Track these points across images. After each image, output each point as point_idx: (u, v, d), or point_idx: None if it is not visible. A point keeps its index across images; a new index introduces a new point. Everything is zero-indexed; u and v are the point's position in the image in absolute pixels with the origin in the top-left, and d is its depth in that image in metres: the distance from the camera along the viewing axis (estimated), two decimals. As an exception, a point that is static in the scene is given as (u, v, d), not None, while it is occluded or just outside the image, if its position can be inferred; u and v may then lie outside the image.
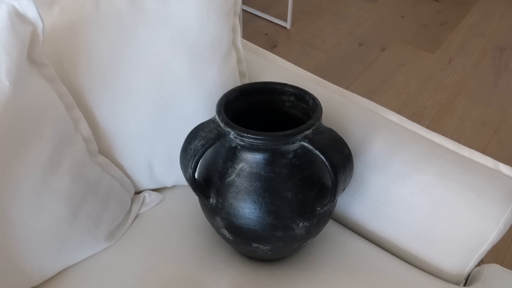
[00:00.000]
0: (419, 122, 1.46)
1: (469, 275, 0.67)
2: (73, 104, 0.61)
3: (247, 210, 0.54)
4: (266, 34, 1.81)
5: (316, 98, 0.58)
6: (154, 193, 0.73)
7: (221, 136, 0.54)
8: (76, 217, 0.60)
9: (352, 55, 1.73)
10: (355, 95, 0.72)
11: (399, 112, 1.49)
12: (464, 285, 0.68)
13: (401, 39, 1.81)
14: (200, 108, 0.66)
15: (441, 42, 1.80)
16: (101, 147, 0.67)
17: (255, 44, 0.83)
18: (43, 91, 0.57)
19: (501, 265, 0.73)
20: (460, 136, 1.42)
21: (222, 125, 0.54)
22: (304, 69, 0.79)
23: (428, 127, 1.45)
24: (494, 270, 0.68)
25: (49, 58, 0.59)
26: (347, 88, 1.59)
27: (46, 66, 0.58)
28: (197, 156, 0.53)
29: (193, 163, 0.54)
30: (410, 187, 0.62)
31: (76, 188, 0.60)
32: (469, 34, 1.85)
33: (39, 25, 0.54)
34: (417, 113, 1.49)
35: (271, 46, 1.75)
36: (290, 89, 0.61)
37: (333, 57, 1.72)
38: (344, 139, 0.57)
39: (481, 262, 0.68)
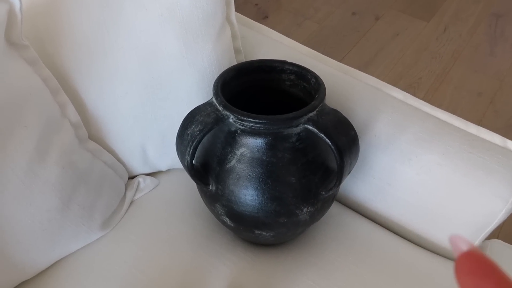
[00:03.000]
0: (415, 93, 1.44)
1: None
2: (59, 88, 0.57)
3: (249, 197, 0.52)
4: (256, 4, 1.75)
5: (318, 76, 0.55)
6: (148, 178, 0.70)
7: (219, 120, 0.50)
8: (68, 207, 0.57)
9: (345, 25, 1.68)
10: (357, 71, 0.68)
11: (395, 83, 1.46)
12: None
13: (395, 7, 1.76)
14: (195, 88, 0.62)
15: (436, 10, 1.75)
16: (90, 133, 0.63)
17: (245, 15, 0.78)
18: (25, 75, 0.53)
19: (498, 238, 0.73)
20: (456, 107, 1.40)
21: (220, 108, 0.51)
22: (297, 40, 0.75)
23: (424, 98, 1.42)
24: (497, 246, 0.67)
25: (29, 39, 0.54)
26: (341, 60, 1.55)
27: (27, 48, 0.53)
28: (195, 142, 0.50)
29: (191, 150, 0.51)
30: (416, 167, 0.60)
31: (67, 177, 0.56)
32: (464, 0, 1.80)
33: (16, 2, 0.49)
34: (413, 84, 1.46)
35: (262, 17, 1.69)
36: (290, 67, 0.58)
37: (326, 28, 1.67)
38: (347, 118, 0.54)
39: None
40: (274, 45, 0.73)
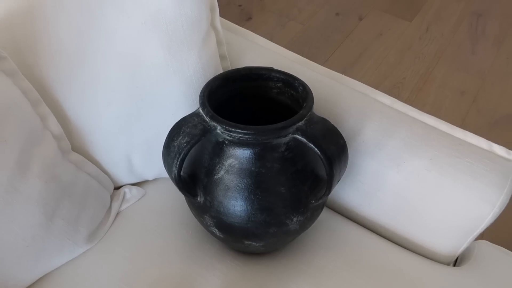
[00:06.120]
0: (399, 94, 1.45)
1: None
2: (39, 100, 0.56)
3: (238, 208, 0.51)
4: (239, 5, 1.73)
5: (306, 84, 0.54)
6: (135, 188, 0.69)
7: (206, 131, 0.49)
8: (52, 222, 0.55)
9: (329, 25, 1.68)
10: (344, 76, 0.68)
11: (380, 84, 1.47)
12: (454, 264, 0.68)
13: (378, 6, 1.77)
14: (181, 96, 0.61)
15: (418, 9, 1.77)
16: (74, 144, 0.62)
17: (228, 17, 0.77)
18: (4, 87, 0.51)
19: (482, 238, 0.74)
20: (441, 107, 1.42)
21: (207, 119, 0.50)
22: (281, 41, 0.75)
23: (409, 98, 1.43)
24: (483, 247, 0.68)
25: (7, 50, 0.52)
26: (326, 60, 1.55)
27: (5, 59, 0.52)
28: (182, 154, 0.49)
29: (178, 162, 0.50)
30: (404, 172, 0.60)
31: (50, 191, 0.55)
32: (445, -1, 1.82)
33: (-8, 13, 0.48)
34: (397, 84, 1.47)
35: (246, 18, 1.68)
36: (277, 75, 0.57)
37: (310, 28, 1.67)
38: (335, 125, 0.53)
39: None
40: (260, 51, 0.72)
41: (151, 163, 0.67)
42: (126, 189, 0.68)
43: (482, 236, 1.09)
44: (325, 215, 0.68)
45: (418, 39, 1.64)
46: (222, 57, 0.68)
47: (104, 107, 0.60)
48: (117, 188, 0.69)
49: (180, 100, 0.61)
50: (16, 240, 0.52)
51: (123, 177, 0.68)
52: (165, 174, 0.68)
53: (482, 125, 1.37)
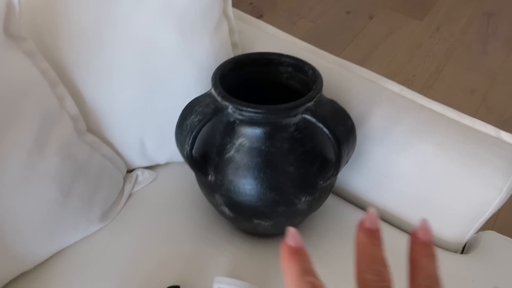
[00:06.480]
0: (408, 91, 1.45)
1: (466, 242, 0.68)
2: (57, 80, 0.58)
3: (248, 186, 0.53)
4: (251, 3, 1.76)
5: (315, 68, 0.56)
6: (147, 171, 0.71)
7: (218, 110, 0.51)
8: (67, 199, 0.57)
9: (340, 23, 1.69)
10: (353, 64, 0.69)
11: (389, 81, 1.48)
12: (461, 252, 0.69)
13: (389, 6, 1.78)
14: (193, 81, 0.63)
15: (429, 9, 1.77)
16: (89, 125, 0.63)
17: (240, 14, 0.79)
18: (24, 67, 0.53)
19: (492, 230, 0.74)
20: (450, 105, 1.41)
21: (219, 99, 0.51)
22: (292, 39, 0.77)
23: (418, 95, 1.44)
24: (490, 237, 0.69)
25: (28, 31, 0.54)
26: (335, 58, 1.56)
27: (25, 40, 0.53)
28: (194, 132, 0.51)
29: (190, 140, 0.51)
30: (412, 158, 0.61)
31: (66, 169, 0.57)
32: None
33: (15, -6, 0.50)
34: (406, 82, 1.48)
35: (257, 16, 1.70)
36: (288, 60, 0.58)
37: (320, 26, 1.68)
38: (344, 109, 0.54)
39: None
40: (271, 39, 0.73)
41: (163, 147, 0.68)
42: (138, 172, 0.70)
43: (492, 228, 1.10)
44: (333, 201, 0.69)
45: (428, 38, 1.65)
46: (234, 45, 0.70)
47: (118, 90, 0.62)
48: (130, 171, 0.71)
49: (192, 84, 0.63)
50: (33, 214, 0.54)
51: (136, 160, 0.69)
52: (176, 158, 0.70)
53: (492, 123, 1.36)
